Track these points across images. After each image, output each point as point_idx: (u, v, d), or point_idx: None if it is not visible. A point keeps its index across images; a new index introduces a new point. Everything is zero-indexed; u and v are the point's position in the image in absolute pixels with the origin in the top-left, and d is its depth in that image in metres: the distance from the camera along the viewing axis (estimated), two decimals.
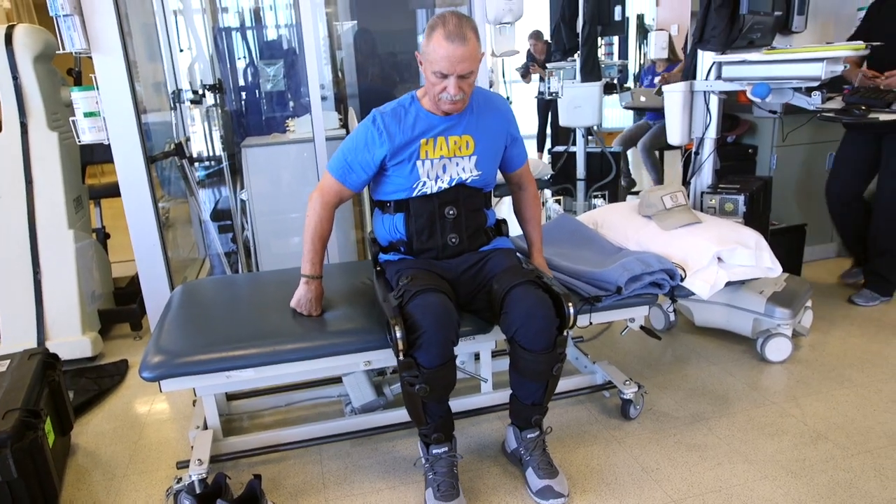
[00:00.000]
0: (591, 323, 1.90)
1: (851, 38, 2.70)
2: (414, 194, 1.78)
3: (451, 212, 1.79)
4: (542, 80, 6.02)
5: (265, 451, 1.95)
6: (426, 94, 1.74)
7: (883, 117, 2.13)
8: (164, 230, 4.34)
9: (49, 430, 1.82)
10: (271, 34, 4.20)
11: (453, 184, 1.77)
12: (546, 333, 1.60)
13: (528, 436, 1.78)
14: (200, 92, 3.45)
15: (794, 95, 2.31)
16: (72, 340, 2.59)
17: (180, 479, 1.73)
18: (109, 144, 2.48)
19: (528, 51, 6.33)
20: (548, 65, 3.88)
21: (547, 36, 3.64)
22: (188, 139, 3.54)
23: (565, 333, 1.63)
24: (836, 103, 2.28)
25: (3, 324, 2.59)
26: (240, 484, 1.76)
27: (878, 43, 2.26)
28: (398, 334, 1.55)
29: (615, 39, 7.81)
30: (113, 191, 3.23)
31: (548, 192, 3.73)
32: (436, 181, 1.76)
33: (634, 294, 1.91)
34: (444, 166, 1.76)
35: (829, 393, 2.19)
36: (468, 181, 1.79)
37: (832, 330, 2.66)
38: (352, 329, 1.81)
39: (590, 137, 3.86)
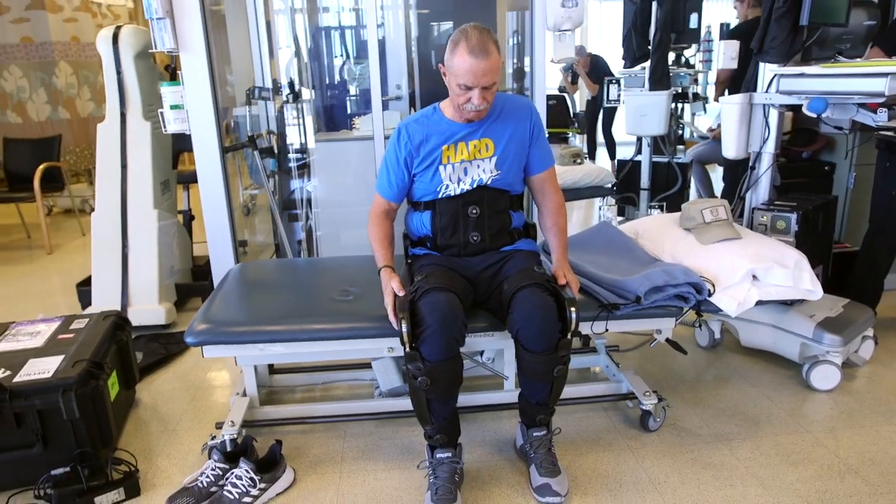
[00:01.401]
0: (606, 330, 1.92)
1: (882, 41, 2.51)
2: (439, 196, 1.88)
3: (473, 211, 1.87)
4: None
5: (295, 421, 2.12)
6: (450, 104, 1.83)
7: None
8: (249, 216, 4.71)
9: (114, 382, 2.08)
10: (363, 35, 4.42)
11: (475, 185, 1.85)
12: (546, 336, 1.64)
13: (535, 434, 1.83)
14: (295, 89, 3.70)
15: (858, 111, 2.19)
16: (149, 308, 2.90)
17: (215, 436, 1.93)
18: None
19: (571, 64, 6.46)
20: (617, 72, 3.84)
21: (618, 44, 3.60)
22: (271, 132, 3.82)
23: (568, 337, 1.67)
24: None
25: (95, 288, 2.94)
26: (265, 448, 1.93)
27: None
28: (404, 328, 1.65)
29: (716, 48, 7.53)
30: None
31: (609, 199, 3.70)
32: (458, 184, 1.85)
33: (656, 305, 1.90)
34: (466, 169, 1.85)
35: (873, 428, 2.07)
36: (489, 182, 1.86)
37: (895, 363, 2.48)
38: (377, 316, 1.92)
39: (679, 147, 3.79)
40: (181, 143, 3.41)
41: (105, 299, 2.91)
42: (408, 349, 1.67)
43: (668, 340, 2.08)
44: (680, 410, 2.20)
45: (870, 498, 1.73)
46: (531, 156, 1.92)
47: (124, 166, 2.93)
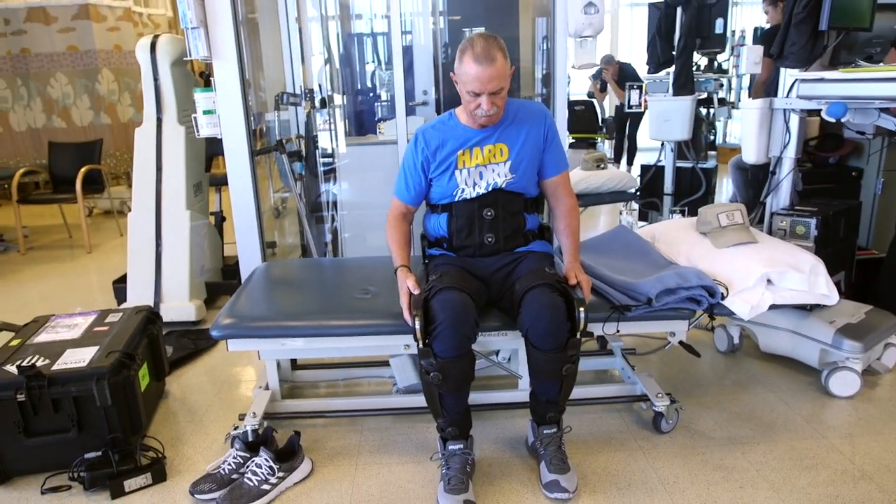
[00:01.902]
0: (618, 331, 1.94)
1: None
2: (456, 199, 1.94)
3: (489, 213, 1.93)
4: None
5: (314, 415, 2.20)
6: (464, 110, 1.90)
7: None
8: (280, 218, 4.83)
9: (145, 373, 2.18)
10: (390, 40, 4.51)
11: (490, 189, 1.91)
12: (554, 334, 1.68)
13: (545, 431, 1.86)
14: (325, 95, 3.81)
15: (879, 116, 2.18)
16: (180, 305, 3.02)
17: (238, 427, 2.01)
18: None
19: (600, 71, 6.52)
20: (644, 77, 3.85)
21: (643, 50, 3.61)
22: (300, 137, 3.93)
23: (578, 336, 1.70)
24: None
25: (130, 285, 3.08)
26: (285, 439, 2.00)
27: None
28: (417, 325, 1.71)
29: (744, 51, 7.44)
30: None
31: (633, 204, 3.71)
32: (473, 187, 1.91)
33: (668, 307, 1.92)
34: (481, 173, 1.90)
35: (892, 435, 2.04)
36: (504, 185, 1.91)
37: None
38: (394, 313, 1.98)
39: (711, 153, 3.76)
40: (214, 147, 3.54)
41: (139, 296, 3.04)
42: (421, 345, 1.73)
43: (681, 343, 2.09)
44: (695, 413, 2.20)
45: None
46: (545, 160, 1.96)
47: (159, 169, 3.06)
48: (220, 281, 3.37)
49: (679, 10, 3.36)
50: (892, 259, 2.68)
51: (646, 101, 3.64)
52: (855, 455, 1.94)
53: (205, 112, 2.79)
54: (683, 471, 1.89)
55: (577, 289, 1.83)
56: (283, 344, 1.99)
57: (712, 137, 6.87)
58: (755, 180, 3.42)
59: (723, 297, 1.95)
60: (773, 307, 1.96)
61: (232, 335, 1.96)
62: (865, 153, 3.04)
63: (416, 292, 1.79)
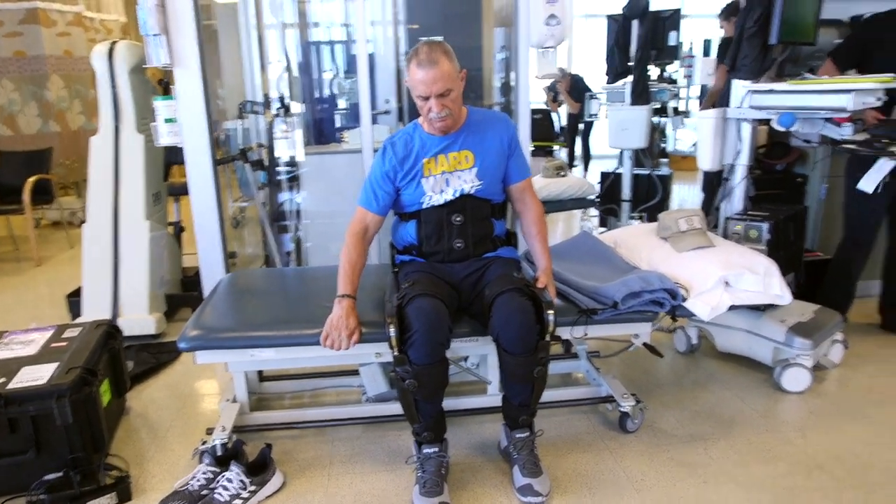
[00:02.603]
0: (586, 334, 1.99)
1: (836, 55, 2.64)
2: (424, 206, 1.96)
3: (457, 219, 1.95)
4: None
5: (284, 427, 2.17)
6: (423, 118, 1.92)
7: None
8: (239, 228, 4.76)
9: (106, 390, 2.12)
10: (352, 49, 4.51)
11: (457, 195, 1.93)
12: (525, 338, 1.72)
13: (518, 435, 1.89)
14: (285, 103, 3.78)
15: (824, 126, 2.30)
16: (139, 318, 2.95)
17: (205, 441, 1.98)
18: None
19: (553, 83, 6.74)
20: (600, 87, 3.97)
21: (600, 61, 3.72)
22: (261, 146, 3.89)
23: (547, 339, 1.74)
24: (861, 136, 2.25)
25: (85, 298, 2.98)
26: (255, 452, 1.98)
27: None
28: (392, 332, 1.73)
29: (697, 63, 7.75)
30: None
31: (590, 211, 3.80)
32: (441, 194, 1.94)
33: (633, 310, 1.99)
34: (447, 180, 1.93)
35: (841, 427, 2.15)
36: (472, 191, 1.94)
37: (863, 366, 2.58)
38: (365, 322, 1.99)
39: (663, 161, 3.93)
40: (172, 156, 3.48)
41: (95, 309, 2.95)
42: (396, 353, 1.74)
43: (645, 344, 2.16)
44: (658, 413, 2.27)
45: (836, 492, 1.82)
46: (510, 166, 2.00)
47: (117, 178, 2.99)
48: (181, 293, 3.30)
49: (635, 22, 3.47)
50: (838, 261, 2.83)
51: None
52: (808, 447, 2.04)
53: (166, 120, 2.74)
54: (650, 468, 1.95)
55: (544, 292, 1.87)
56: (253, 355, 1.97)
57: (663, 145, 7.13)
58: (709, 186, 3.56)
59: (684, 300, 2.03)
60: (730, 308, 2.04)
61: (200, 347, 1.93)
62: (810, 160, 3.20)
63: (353, 338, 1.81)
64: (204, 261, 2.93)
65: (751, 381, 2.49)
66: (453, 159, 1.93)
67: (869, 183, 2.41)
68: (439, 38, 1.82)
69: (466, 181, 1.94)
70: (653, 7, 3.55)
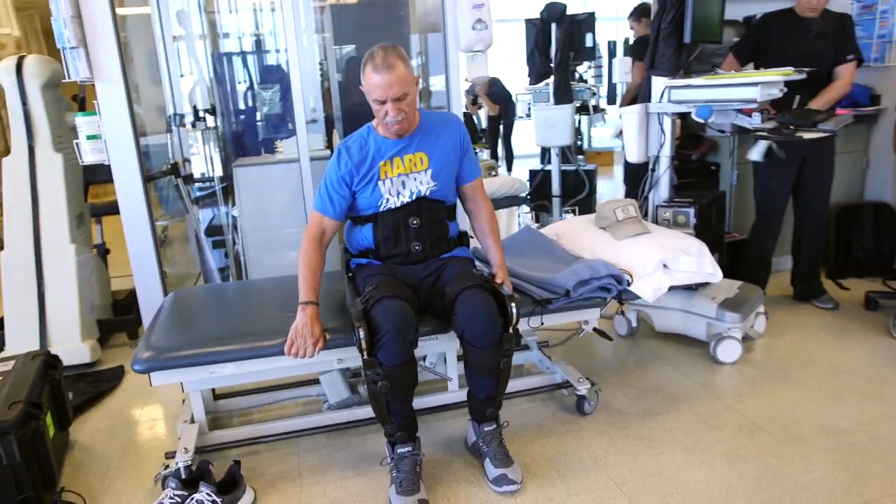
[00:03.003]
0: (542, 323, 2.08)
1: (736, 50, 2.91)
2: (381, 210, 1.97)
3: (414, 222, 1.99)
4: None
5: (247, 442, 2.12)
6: (379, 122, 1.94)
7: (807, 135, 2.33)
8: (163, 246, 4.56)
9: (49, 423, 1.99)
10: (266, 59, 4.44)
11: (414, 197, 1.97)
12: (490, 332, 1.77)
13: (486, 429, 1.94)
14: (200, 115, 3.67)
15: (736, 116, 2.51)
16: (72, 347, 2.77)
17: (168, 465, 1.90)
18: (110, 164, 2.69)
19: (472, 87, 6.97)
20: (524, 88, 4.12)
21: (517, 63, 3.88)
22: (186, 160, 3.76)
23: (510, 331, 1.81)
24: (769, 124, 2.48)
25: (8, 330, 2.78)
26: (222, 472, 1.92)
27: (812, 69, 2.48)
28: (361, 335, 1.73)
29: (603, 64, 8.17)
30: (114, 209, 3.46)
31: (525, 207, 3.93)
32: (398, 196, 1.96)
33: (583, 297, 2.09)
34: (404, 182, 1.96)
35: (773, 390, 2.36)
36: (428, 193, 1.98)
37: (784, 334, 2.83)
38: (329, 328, 1.98)
39: (570, 158, 4.13)
40: (89, 175, 3.30)
41: (21, 340, 2.75)
42: (366, 356, 1.75)
43: (595, 329, 2.27)
44: (609, 394, 2.40)
45: (776, 448, 1.99)
46: (463, 166, 2.05)
47: (35, 200, 2.80)
48: (113, 318, 3.14)
49: (554, 25, 3.63)
50: (752, 240, 3.08)
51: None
52: (747, 411, 2.22)
53: (89, 137, 2.61)
54: (610, 445, 2.06)
55: (503, 286, 1.94)
56: (212, 372, 1.91)
57: (580, 143, 7.45)
58: (631, 178, 3.77)
59: (629, 284, 2.15)
60: (670, 288, 2.19)
61: (155, 368, 1.86)
62: (723, 149, 3.46)
63: (311, 339, 1.81)
64: (140, 281, 2.80)
65: (689, 356, 2.67)
66: (409, 161, 1.96)
67: (756, 154, 2.67)
68: (388, 44, 1.83)
69: (422, 183, 1.97)
70: (569, 11, 3.73)
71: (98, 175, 3.47)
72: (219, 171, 3.79)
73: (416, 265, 2.02)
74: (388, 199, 1.96)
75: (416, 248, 2.00)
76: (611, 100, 7.85)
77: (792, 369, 2.51)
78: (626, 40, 7.89)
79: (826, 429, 2.09)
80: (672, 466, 1.93)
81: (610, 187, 6.68)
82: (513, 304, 1.81)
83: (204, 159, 3.73)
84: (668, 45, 2.55)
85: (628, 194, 3.88)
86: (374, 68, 1.78)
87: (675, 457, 1.98)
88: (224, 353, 1.89)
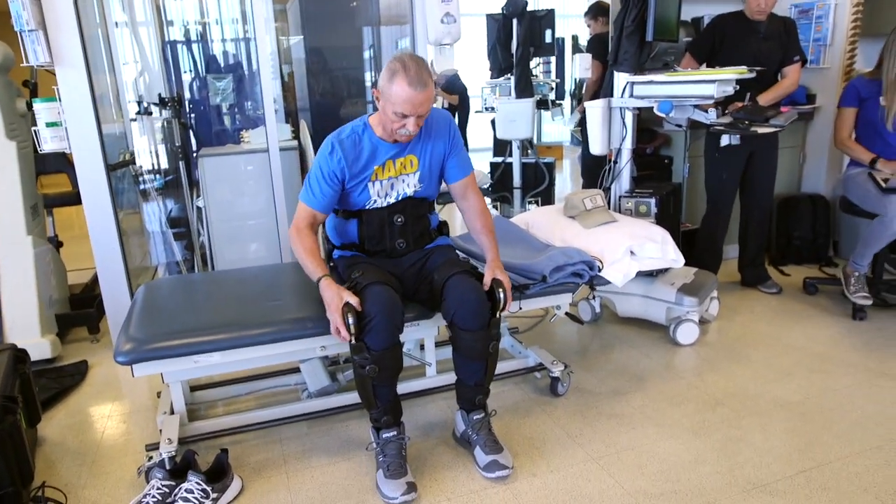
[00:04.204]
0: (520, 308, 2.16)
1: (693, 50, 3.09)
2: (367, 208, 2.00)
3: (399, 220, 2.02)
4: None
5: (228, 432, 2.12)
6: (379, 123, 1.92)
7: (761, 130, 2.51)
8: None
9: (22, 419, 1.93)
10: (219, 48, 4.36)
11: (400, 198, 2.00)
12: (480, 315, 1.83)
13: (475, 417, 1.99)
14: (156, 104, 3.57)
15: (694, 111, 2.66)
16: (31, 342, 2.66)
17: (151, 457, 1.88)
18: (62, 154, 2.61)
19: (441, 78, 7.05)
20: (485, 82, 4.20)
21: (475, 58, 3.95)
22: (132, 154, 3.65)
23: (498, 315, 1.88)
24: (725, 119, 2.65)
25: None
26: (206, 462, 1.92)
27: (761, 68, 2.65)
28: (350, 320, 1.75)
29: (553, 59, 8.35)
30: (66, 200, 3.34)
31: (487, 200, 4.01)
32: (385, 198, 1.98)
33: (558, 283, 2.18)
34: (392, 184, 1.98)
35: (729, 368, 2.52)
36: (412, 194, 2.01)
37: (735, 317, 3.02)
38: (309, 317, 2.00)
39: (529, 151, 4.25)
40: (40, 165, 3.17)
41: None
42: (354, 341, 1.78)
43: (567, 313, 2.37)
44: (579, 376, 2.51)
45: (737, 420, 2.15)
46: (452, 165, 2.04)
47: None
48: (71, 312, 3.03)
49: (515, 21, 3.72)
50: (704, 230, 3.27)
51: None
52: (707, 388, 2.38)
53: (48, 125, 2.52)
54: (584, 424, 2.17)
55: (500, 289, 1.89)
56: (196, 361, 1.90)
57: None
58: (588, 171, 3.91)
59: (600, 270, 2.26)
60: (638, 274, 2.32)
61: (138, 359, 1.83)
62: (675, 144, 3.64)
63: (353, 301, 1.77)
64: (104, 273, 2.73)
65: (650, 339, 2.82)
66: (400, 165, 1.97)
67: (723, 141, 2.87)
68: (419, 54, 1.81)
69: (409, 185, 2.00)
70: (529, 7, 3.82)
71: (48, 165, 3.34)
72: (170, 163, 3.69)
73: (400, 257, 2.05)
74: (375, 201, 1.98)
75: (401, 244, 2.04)
76: (559, 95, 8.05)
77: (745, 348, 2.69)
78: (575, 37, 8.11)
79: (779, 401, 2.26)
80: (644, 440, 2.05)
81: (561, 180, 6.86)
82: (500, 290, 1.87)
83: (164, 150, 3.64)
84: (631, 42, 2.68)
85: (586, 187, 4.02)
86: (409, 82, 1.74)
87: (645, 431, 2.10)
88: (210, 343, 1.88)
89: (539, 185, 4.05)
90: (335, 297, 1.78)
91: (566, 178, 7.36)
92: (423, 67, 1.78)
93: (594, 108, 2.87)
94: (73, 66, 2.50)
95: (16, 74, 2.97)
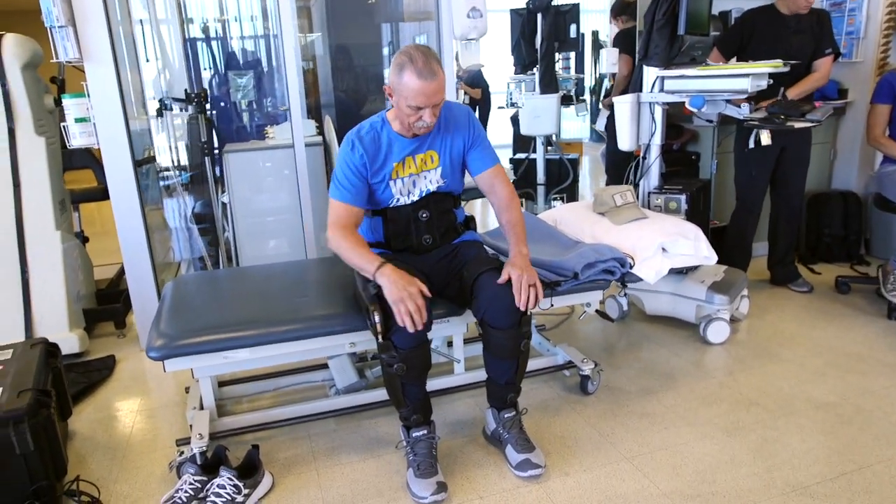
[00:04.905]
0: (552, 305, 2.14)
1: (721, 45, 3.02)
2: (391, 206, 1.97)
3: (424, 215, 1.99)
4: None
5: (257, 428, 2.11)
6: (396, 118, 1.89)
7: (798, 125, 2.45)
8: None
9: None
10: (238, 45, 4.37)
11: (423, 195, 1.97)
12: (511, 312, 1.80)
13: (506, 415, 1.95)
14: (181, 100, 3.58)
15: (726, 106, 2.61)
16: (59, 337, 2.67)
17: (182, 452, 1.88)
18: (88, 150, 2.61)
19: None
20: (511, 77, 4.16)
21: (499, 53, 3.92)
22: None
23: (529, 313, 1.85)
24: (759, 113, 2.59)
25: None
26: (235, 458, 1.91)
27: (795, 62, 2.59)
28: (377, 318, 1.72)
29: (572, 55, 8.29)
30: (91, 195, 3.36)
31: None
32: (408, 196, 1.96)
33: (590, 280, 2.15)
34: (414, 182, 1.96)
35: (761, 368, 2.47)
36: (436, 189, 1.99)
37: (765, 316, 2.96)
38: (337, 313, 1.99)
39: (549, 147, 4.20)
40: (66, 161, 3.19)
41: (4, 330, 2.64)
42: (381, 340, 1.76)
43: (597, 311, 2.34)
44: (607, 374, 2.47)
45: (772, 421, 2.10)
46: (474, 157, 2.00)
47: (17, 185, 2.69)
48: (98, 307, 3.05)
49: (539, 16, 3.68)
50: (733, 227, 3.21)
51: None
52: (740, 387, 2.33)
53: (77, 120, 2.53)
54: (616, 423, 2.13)
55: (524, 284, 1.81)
56: (226, 357, 1.90)
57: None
58: (614, 167, 3.86)
59: (631, 267, 2.22)
60: (671, 271, 2.28)
61: (170, 354, 1.83)
62: (703, 140, 3.58)
63: (424, 288, 1.72)
64: (130, 269, 2.74)
65: (679, 337, 2.77)
66: (420, 161, 1.94)
67: (750, 140, 2.81)
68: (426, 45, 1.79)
69: (432, 181, 1.97)
70: (554, 1, 3.78)
71: (74, 160, 3.36)
72: (195, 159, 3.71)
73: (426, 254, 2.03)
74: (398, 199, 1.96)
75: (427, 240, 2.01)
76: (579, 91, 7.98)
77: (776, 348, 2.64)
78: (595, 33, 8.04)
79: (815, 402, 2.21)
80: (677, 440, 2.02)
81: (581, 177, 6.80)
82: (530, 287, 1.84)
83: (188, 147, 3.65)
84: (661, 36, 2.63)
85: (610, 183, 3.98)
86: (417, 74, 1.71)
87: (679, 431, 2.07)
88: (240, 339, 1.88)
89: (563, 181, 4.00)
90: (398, 278, 1.71)
91: (585, 175, 7.29)
92: (430, 57, 1.75)
93: (623, 104, 2.83)
94: (101, 61, 2.51)
95: (43, 71, 2.99)
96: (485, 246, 2.19)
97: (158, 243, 4.10)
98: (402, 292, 1.69)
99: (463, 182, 2.11)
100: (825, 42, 2.92)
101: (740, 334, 2.79)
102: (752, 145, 2.75)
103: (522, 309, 1.79)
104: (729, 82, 2.49)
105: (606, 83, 6.21)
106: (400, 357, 1.76)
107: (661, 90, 2.73)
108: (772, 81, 2.61)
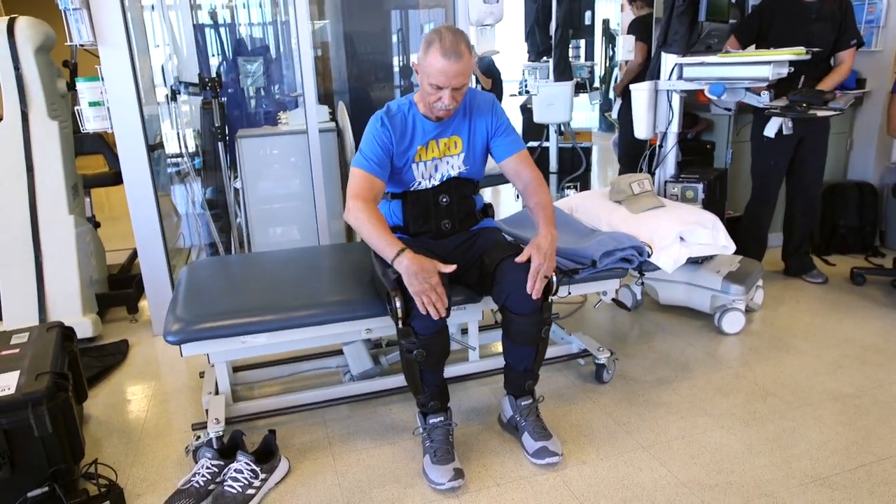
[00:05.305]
0: (569, 293, 2.12)
1: (739, 32, 2.98)
2: (411, 189, 1.96)
3: (444, 199, 1.98)
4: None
5: (272, 413, 2.11)
6: (421, 99, 1.89)
7: (821, 113, 2.42)
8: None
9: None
10: (246, 32, 4.34)
11: (444, 179, 1.96)
12: (533, 299, 1.79)
13: (523, 403, 1.95)
14: (194, 84, 3.56)
15: (745, 94, 2.58)
16: (73, 321, 2.67)
17: (199, 436, 1.88)
18: (100, 135, 2.60)
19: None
20: (525, 65, 4.13)
21: (512, 40, 3.88)
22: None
23: (550, 300, 1.84)
24: (781, 101, 2.56)
25: (4, 304, 2.68)
26: (251, 443, 1.91)
27: (818, 49, 2.55)
28: (398, 304, 1.71)
29: (582, 42, 8.23)
30: (103, 180, 3.35)
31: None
32: (429, 180, 1.95)
33: (608, 268, 2.14)
34: (436, 166, 1.95)
35: (777, 359, 2.46)
36: (457, 174, 1.98)
37: (780, 307, 2.94)
38: (354, 299, 1.98)
39: (560, 136, 4.18)
40: (77, 146, 3.17)
41: (17, 314, 2.66)
42: (401, 325, 1.75)
43: (613, 300, 2.33)
44: (622, 363, 2.46)
45: (789, 412, 2.09)
46: (499, 144, 1.98)
47: (30, 169, 2.69)
48: (110, 292, 3.05)
49: (554, 2, 3.64)
50: (749, 217, 3.18)
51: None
52: (756, 378, 2.32)
53: (91, 104, 2.52)
54: (632, 412, 2.13)
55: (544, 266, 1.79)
56: (244, 342, 1.90)
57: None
58: (627, 155, 3.83)
59: (649, 255, 2.21)
60: (688, 261, 2.26)
61: (187, 339, 1.83)
62: (718, 129, 3.55)
63: (448, 271, 1.72)
64: (144, 254, 2.74)
65: (693, 327, 2.76)
66: (444, 145, 1.94)
67: (770, 129, 2.76)
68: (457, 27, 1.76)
69: (454, 167, 1.96)
70: None
71: (85, 145, 3.35)
72: (208, 144, 3.70)
73: (445, 239, 2.02)
74: (420, 182, 1.95)
75: (447, 225, 2.00)
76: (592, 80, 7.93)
77: (792, 339, 2.62)
78: (606, 21, 7.97)
79: (832, 393, 2.20)
80: (694, 430, 2.01)
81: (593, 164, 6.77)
82: (553, 274, 1.83)
83: (200, 132, 3.63)
84: (681, 22, 2.59)
85: (623, 172, 3.95)
86: (442, 52, 1.70)
87: (695, 421, 2.06)
88: (257, 324, 1.87)
89: (576, 169, 3.98)
90: (417, 266, 1.67)
91: (594, 164, 7.25)
92: (460, 39, 1.74)
93: (640, 91, 2.80)
94: (115, 45, 2.49)
95: (55, 55, 2.97)
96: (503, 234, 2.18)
97: (169, 229, 4.11)
98: (424, 284, 1.68)
99: (483, 169, 2.10)
100: (849, 32, 2.87)
101: (755, 325, 2.77)
102: (772, 135, 2.72)
103: (530, 293, 1.78)
104: (749, 70, 2.46)
105: (617, 71, 6.16)
106: (420, 343, 1.75)
107: (680, 77, 2.69)
108: (792, 69, 2.58)
